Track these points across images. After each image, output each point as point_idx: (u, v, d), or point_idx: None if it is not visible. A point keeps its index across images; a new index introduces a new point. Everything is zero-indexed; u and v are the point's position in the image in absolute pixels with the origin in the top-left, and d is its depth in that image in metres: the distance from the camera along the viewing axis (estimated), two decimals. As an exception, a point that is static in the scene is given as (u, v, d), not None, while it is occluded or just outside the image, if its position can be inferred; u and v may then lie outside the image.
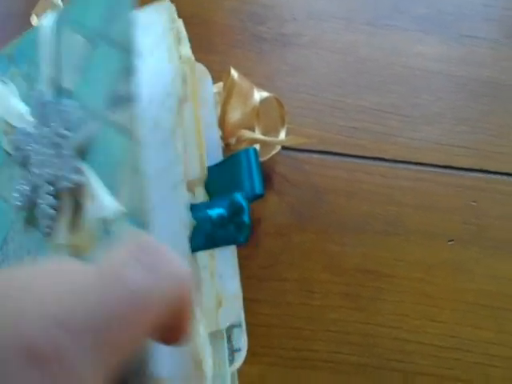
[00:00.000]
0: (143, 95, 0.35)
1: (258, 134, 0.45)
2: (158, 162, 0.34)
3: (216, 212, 0.37)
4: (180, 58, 0.38)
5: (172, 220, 0.34)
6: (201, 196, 0.39)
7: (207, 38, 0.51)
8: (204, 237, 0.37)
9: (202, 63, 0.42)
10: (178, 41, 0.39)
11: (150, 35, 0.38)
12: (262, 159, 0.45)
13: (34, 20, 0.46)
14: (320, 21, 0.52)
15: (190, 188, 0.38)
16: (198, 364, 0.34)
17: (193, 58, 0.41)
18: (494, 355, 0.44)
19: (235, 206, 0.37)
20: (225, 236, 0.37)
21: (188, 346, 0.33)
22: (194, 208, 0.36)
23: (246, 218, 0.37)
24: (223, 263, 0.39)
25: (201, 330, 0.35)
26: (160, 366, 0.31)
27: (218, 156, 0.41)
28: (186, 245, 0.35)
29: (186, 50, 0.42)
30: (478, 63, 0.51)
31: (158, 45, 0.38)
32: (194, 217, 0.36)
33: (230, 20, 0.52)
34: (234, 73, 0.43)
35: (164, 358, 0.33)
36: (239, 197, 0.37)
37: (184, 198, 0.35)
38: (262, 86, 0.45)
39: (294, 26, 0.52)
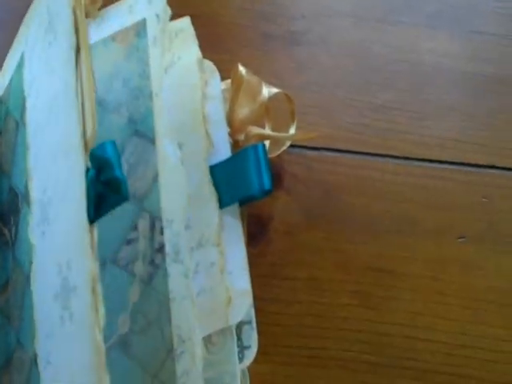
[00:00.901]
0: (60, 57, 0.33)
1: (266, 130, 0.45)
2: (68, 126, 0.32)
3: (91, 172, 0.30)
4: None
5: (74, 189, 0.30)
6: None
7: (215, 37, 0.51)
8: (90, 205, 0.30)
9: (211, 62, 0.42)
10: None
11: None
12: (271, 156, 0.45)
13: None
14: (329, 18, 0.52)
15: (87, 149, 0.31)
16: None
17: (201, 56, 0.41)
18: (505, 352, 0.44)
19: (99, 160, 0.30)
20: (103, 198, 0.30)
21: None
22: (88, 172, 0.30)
23: (117, 173, 0.30)
24: (232, 260, 0.39)
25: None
26: None
27: (226, 153, 0.41)
28: (83, 215, 0.30)
29: (195, 48, 0.42)
30: (488, 59, 0.51)
31: None
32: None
33: (239, 18, 0.52)
34: (241, 69, 0.43)
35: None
36: (108, 147, 0.30)
37: (79, 163, 0.30)
38: (270, 84, 0.45)
39: (303, 24, 0.52)
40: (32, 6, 0.39)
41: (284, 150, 0.46)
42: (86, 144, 0.30)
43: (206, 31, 0.49)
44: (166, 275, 0.36)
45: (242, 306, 0.38)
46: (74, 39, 0.33)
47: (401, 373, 0.43)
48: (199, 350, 0.34)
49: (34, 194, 0.35)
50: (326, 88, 0.50)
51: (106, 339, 0.36)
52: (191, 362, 0.34)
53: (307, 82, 0.50)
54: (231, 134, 0.43)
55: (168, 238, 0.36)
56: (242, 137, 0.43)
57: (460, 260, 0.45)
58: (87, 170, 0.30)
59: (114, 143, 0.30)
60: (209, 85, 0.42)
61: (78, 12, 0.33)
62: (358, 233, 0.46)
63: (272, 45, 0.51)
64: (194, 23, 0.41)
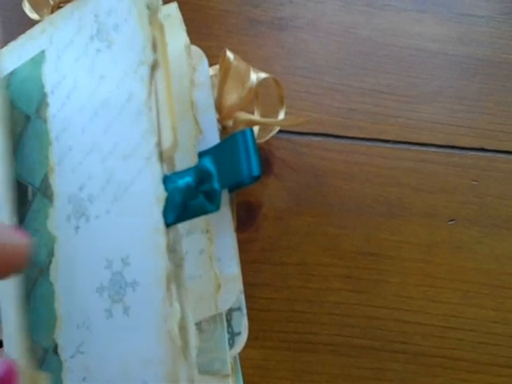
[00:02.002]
0: (118, 67, 0.35)
1: (254, 116, 0.44)
2: (132, 134, 0.34)
3: (184, 181, 0.35)
4: (151, 23, 0.37)
5: (146, 193, 0.33)
6: (173, 166, 0.37)
7: (203, 23, 0.51)
8: (176, 209, 0.34)
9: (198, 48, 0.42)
10: (148, 7, 0.39)
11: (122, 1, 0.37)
12: (260, 141, 0.45)
13: (26, 8, 0.46)
14: (317, 3, 0.52)
15: (164, 159, 0.35)
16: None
17: (188, 42, 0.41)
18: (497, 334, 0.44)
19: (202, 172, 0.35)
20: (195, 206, 0.35)
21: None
22: (166, 179, 0.34)
23: (215, 185, 0.35)
24: (222, 246, 0.39)
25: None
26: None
27: (215, 139, 0.40)
28: (159, 219, 0.33)
29: (182, 34, 0.41)
30: (477, 42, 0.51)
31: (130, 12, 0.37)
32: (166, 188, 0.33)
33: (226, 4, 0.52)
34: (229, 54, 0.42)
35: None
36: (207, 162, 0.36)
37: (157, 170, 0.33)
38: (258, 70, 0.45)
39: (291, 9, 0.52)
40: (66, 10, 0.39)
41: (273, 136, 0.46)
42: (161, 153, 0.33)
43: (193, 17, 0.49)
44: None
45: (232, 292, 0.38)
46: (150, 56, 0.34)
47: (392, 356, 0.43)
48: (193, 339, 0.34)
49: (62, 189, 0.36)
50: (314, 73, 0.50)
51: None
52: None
53: (295, 67, 0.50)
54: (220, 120, 0.42)
55: None
56: (230, 123, 0.42)
57: (450, 243, 0.45)
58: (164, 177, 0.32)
59: (211, 159, 0.35)
60: (197, 71, 0.42)
61: (156, 33, 0.35)
62: (348, 217, 0.46)
63: (259, 30, 0.51)
64: (181, 9, 0.41)
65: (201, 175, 0.35)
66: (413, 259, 0.45)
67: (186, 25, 0.41)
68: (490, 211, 0.46)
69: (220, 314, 0.38)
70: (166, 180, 0.33)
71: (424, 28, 0.51)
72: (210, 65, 0.42)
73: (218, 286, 0.38)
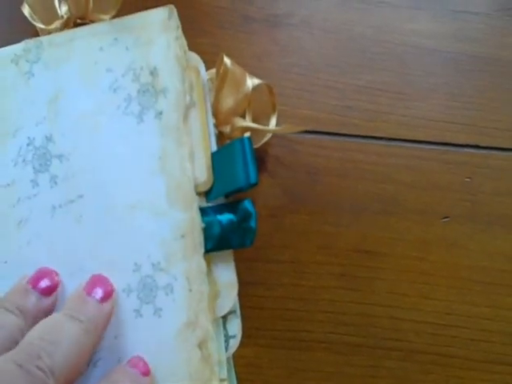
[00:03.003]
0: (169, 114, 0.39)
1: (251, 123, 0.44)
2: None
3: (226, 217, 0.39)
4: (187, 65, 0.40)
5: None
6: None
7: (197, 20, 0.51)
8: (213, 240, 0.38)
9: (192, 46, 0.42)
10: (184, 50, 0.40)
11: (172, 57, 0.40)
12: (255, 146, 0.45)
13: (26, 10, 0.46)
14: (311, 0, 0.52)
15: (198, 192, 0.39)
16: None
17: (186, 47, 0.41)
18: (490, 331, 0.44)
19: (244, 212, 0.39)
20: (233, 239, 0.39)
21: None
22: (202, 212, 0.39)
23: (253, 224, 0.39)
24: (218, 253, 0.39)
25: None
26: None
27: (212, 144, 0.41)
28: (201, 248, 0.38)
29: (181, 40, 0.42)
30: (471, 38, 0.51)
31: (182, 67, 0.39)
32: (204, 220, 0.38)
33: (220, 1, 0.52)
34: (226, 60, 0.42)
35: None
36: (248, 203, 0.39)
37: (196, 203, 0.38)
38: (252, 68, 0.45)
39: (285, 6, 0.51)
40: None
41: (267, 133, 0.46)
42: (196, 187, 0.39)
43: (187, 14, 0.49)
44: None
45: (229, 298, 0.38)
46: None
47: (386, 354, 0.43)
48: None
49: None
50: (308, 70, 0.49)
51: None
52: None
53: (289, 64, 0.50)
54: (217, 125, 0.42)
55: None
56: (227, 128, 0.43)
57: (444, 240, 0.45)
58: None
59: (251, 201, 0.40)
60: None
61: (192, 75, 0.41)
62: (342, 215, 0.46)
63: (254, 27, 0.51)
64: (175, 6, 0.41)
65: (243, 214, 0.39)
66: (407, 256, 0.45)
67: (180, 22, 0.41)
68: (484, 208, 0.46)
69: (217, 319, 0.38)
70: (203, 212, 0.39)
71: (419, 25, 0.51)
72: (204, 62, 0.42)
73: (216, 293, 0.38)
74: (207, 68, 0.43)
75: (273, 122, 0.45)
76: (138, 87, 0.40)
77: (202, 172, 0.39)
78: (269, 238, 0.45)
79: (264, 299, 0.44)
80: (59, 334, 0.32)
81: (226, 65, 0.42)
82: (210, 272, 0.38)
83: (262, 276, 0.45)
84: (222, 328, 0.38)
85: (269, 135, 0.46)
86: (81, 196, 0.39)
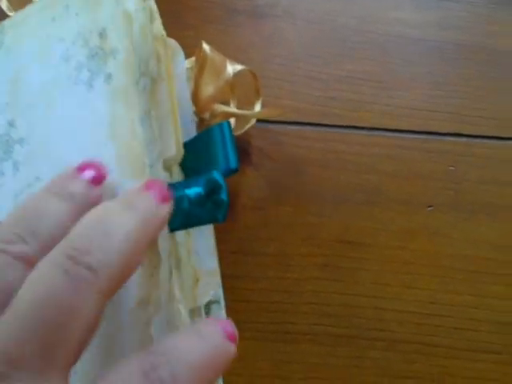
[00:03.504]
0: (119, 76, 0.36)
1: (231, 108, 0.44)
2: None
3: (193, 191, 0.36)
4: (153, 36, 0.38)
5: None
6: (177, 175, 0.38)
7: (179, 13, 0.50)
8: (182, 216, 0.36)
9: (175, 39, 0.41)
10: (151, 19, 0.39)
11: (120, 15, 0.37)
12: (237, 133, 0.45)
13: (3, 4, 0.46)
14: (294, -10, 0.52)
15: (167, 167, 0.37)
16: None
17: (164, 34, 0.41)
18: (474, 319, 0.44)
19: (212, 183, 0.36)
20: (203, 215, 0.36)
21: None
22: (171, 187, 0.35)
23: (223, 196, 0.36)
24: (200, 240, 0.39)
25: (181, 309, 0.35)
26: None
27: (191, 131, 0.40)
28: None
29: (158, 26, 0.41)
30: (455, 27, 0.51)
31: (131, 24, 0.37)
32: (172, 195, 0.35)
33: (203, -6, 0.52)
34: (205, 46, 0.42)
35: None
36: (216, 174, 0.36)
37: (161, 178, 0.36)
38: (236, 59, 0.45)
39: (268, -3, 0.52)
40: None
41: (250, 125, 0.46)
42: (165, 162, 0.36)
43: (171, 7, 0.49)
44: None
45: (210, 286, 0.38)
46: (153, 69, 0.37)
47: (370, 344, 0.44)
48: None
49: None
50: (291, 61, 0.50)
51: None
52: None
53: (273, 55, 0.50)
54: (196, 113, 0.42)
55: None
56: (207, 115, 0.42)
57: (428, 229, 0.46)
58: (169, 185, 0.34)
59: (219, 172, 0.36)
60: (173, 63, 0.42)
61: (160, 48, 0.38)
62: (326, 206, 0.46)
63: (237, 19, 0.51)
64: (156, 0, 0.41)
65: (211, 186, 0.36)
66: (390, 246, 0.45)
67: (163, 15, 0.41)
68: (468, 196, 0.46)
69: (198, 308, 0.38)
70: (171, 187, 0.35)
71: (402, 14, 0.51)
72: (187, 54, 0.42)
73: (196, 280, 0.38)
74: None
75: (257, 108, 0.46)
76: (87, 52, 0.37)
77: (170, 146, 0.38)
78: (253, 230, 0.45)
79: (249, 292, 0.44)
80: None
81: (204, 51, 0.42)
82: (189, 259, 0.38)
83: (247, 269, 0.45)
84: (203, 317, 0.38)
85: (252, 121, 0.46)
86: (38, 178, 0.37)
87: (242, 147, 0.46)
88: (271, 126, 0.47)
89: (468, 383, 0.43)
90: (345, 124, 0.48)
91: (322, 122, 0.48)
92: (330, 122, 0.48)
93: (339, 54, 0.50)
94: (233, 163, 0.39)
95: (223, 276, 0.39)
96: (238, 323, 0.43)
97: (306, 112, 0.48)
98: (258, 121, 0.47)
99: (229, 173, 0.39)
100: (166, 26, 0.40)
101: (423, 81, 0.49)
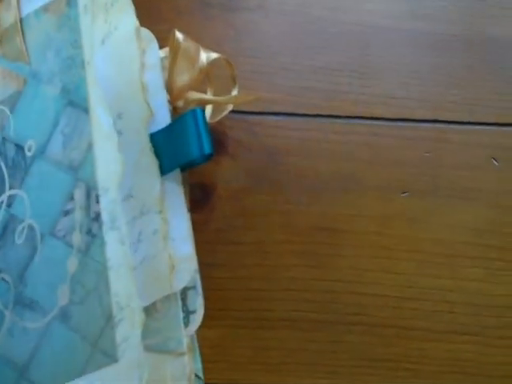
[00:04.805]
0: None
1: (205, 95, 0.44)
2: None
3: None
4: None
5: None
6: None
7: (153, 6, 0.51)
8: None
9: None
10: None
11: None
12: (212, 121, 0.45)
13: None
14: (268, -17, 0.52)
15: None
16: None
17: (138, 25, 0.41)
18: (452, 302, 0.44)
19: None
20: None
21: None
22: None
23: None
24: (175, 226, 0.39)
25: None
26: None
27: (166, 120, 0.41)
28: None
29: (132, 17, 0.41)
30: (429, 16, 0.51)
31: None
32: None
33: (177, -13, 0.52)
34: (178, 35, 0.42)
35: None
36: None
37: None
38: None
39: (241, -10, 0.52)
40: None
41: (226, 116, 0.46)
42: None
43: (146, 2, 0.49)
44: (103, 244, 0.37)
45: (186, 271, 0.38)
46: None
47: (348, 329, 0.44)
48: (138, 316, 0.35)
49: None
50: (265, 53, 0.50)
51: (46, 313, 0.37)
52: (130, 329, 0.35)
53: (247, 48, 0.50)
54: (171, 101, 0.42)
55: (104, 206, 0.37)
56: (181, 103, 0.43)
57: (404, 215, 0.46)
58: None
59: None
60: (147, 53, 0.42)
61: None
62: (303, 194, 0.46)
63: (210, 12, 0.51)
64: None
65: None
66: (367, 232, 0.45)
67: (136, 8, 0.41)
68: (444, 182, 0.47)
69: (174, 294, 0.38)
70: None
71: (375, 4, 0.51)
72: (161, 48, 0.42)
73: (172, 266, 0.38)
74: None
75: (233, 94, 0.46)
76: None
77: None
78: (230, 220, 0.46)
79: (226, 281, 0.44)
80: None
81: (177, 40, 0.42)
82: (164, 245, 0.38)
83: (225, 258, 0.45)
84: (179, 302, 0.38)
85: (229, 108, 0.46)
86: None
87: (218, 138, 0.46)
88: (247, 117, 0.48)
89: (446, 364, 0.43)
90: (321, 113, 0.48)
91: (297, 112, 0.48)
92: (306, 112, 0.48)
93: (314, 45, 0.50)
94: (207, 148, 0.39)
95: (200, 265, 0.39)
96: (215, 311, 0.43)
97: (282, 102, 0.48)
98: (234, 111, 0.47)
99: (203, 158, 0.40)
100: (140, 19, 0.41)
101: (397, 70, 0.50)
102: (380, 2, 0.51)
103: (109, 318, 0.36)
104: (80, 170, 0.39)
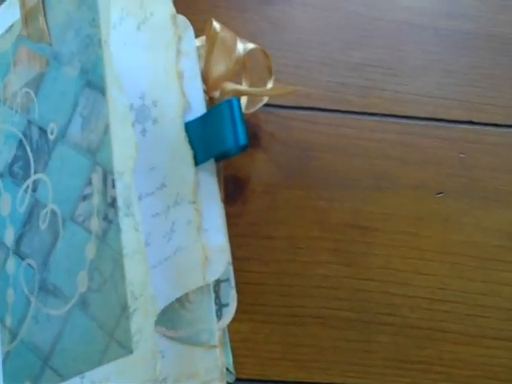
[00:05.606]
0: None
1: (241, 86, 0.44)
2: None
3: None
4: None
5: None
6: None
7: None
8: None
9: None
10: None
11: None
12: (247, 112, 0.45)
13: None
14: (304, -23, 0.52)
15: None
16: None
17: (174, 11, 0.41)
18: (484, 306, 0.44)
19: None
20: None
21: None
22: None
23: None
24: (209, 217, 0.38)
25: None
26: None
27: (201, 109, 0.40)
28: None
29: (168, 3, 0.41)
30: (464, 16, 0.51)
31: None
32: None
33: (213, -20, 0.51)
34: (215, 24, 0.42)
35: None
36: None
37: None
38: (245, 42, 0.45)
39: (278, -17, 0.51)
40: None
41: (261, 109, 0.46)
42: None
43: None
44: (118, 230, 0.36)
45: (220, 263, 0.38)
46: None
47: (379, 329, 0.43)
48: (152, 305, 0.34)
49: None
50: (301, 47, 0.49)
51: (67, 300, 0.36)
52: (144, 319, 0.35)
53: (283, 41, 0.49)
54: (207, 91, 0.42)
55: (119, 192, 0.36)
56: (217, 93, 0.42)
57: (438, 216, 0.45)
58: None
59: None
60: (183, 40, 0.41)
61: None
62: (337, 190, 0.46)
63: (247, 4, 0.50)
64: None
65: None
66: (401, 232, 0.45)
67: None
68: (479, 184, 0.46)
69: (207, 285, 0.37)
70: None
71: (412, 2, 0.51)
72: (196, 37, 0.42)
73: (206, 257, 0.37)
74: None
75: (269, 86, 0.45)
76: None
77: None
78: (263, 214, 0.45)
79: (259, 275, 0.44)
80: None
81: (214, 29, 0.42)
82: (198, 236, 0.37)
83: (257, 252, 0.45)
84: (212, 295, 0.37)
85: (264, 100, 0.46)
86: None
87: (253, 131, 0.46)
88: (282, 111, 0.47)
89: (478, 369, 0.43)
90: (356, 110, 0.48)
91: (332, 108, 0.48)
92: (341, 108, 0.48)
93: (350, 41, 0.50)
94: (242, 139, 0.38)
95: (233, 258, 0.38)
96: (247, 305, 0.43)
97: (317, 97, 0.48)
98: (269, 105, 0.47)
99: (238, 149, 0.39)
100: (176, 8, 0.40)
101: (433, 68, 0.49)
102: (419, 0, 0.51)
103: (124, 308, 0.35)
104: (98, 154, 0.38)
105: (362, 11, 0.51)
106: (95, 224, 0.37)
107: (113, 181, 0.37)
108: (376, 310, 0.44)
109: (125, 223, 0.36)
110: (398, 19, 0.50)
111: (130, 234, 0.36)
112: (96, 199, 0.38)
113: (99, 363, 0.36)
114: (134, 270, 0.35)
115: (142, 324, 0.35)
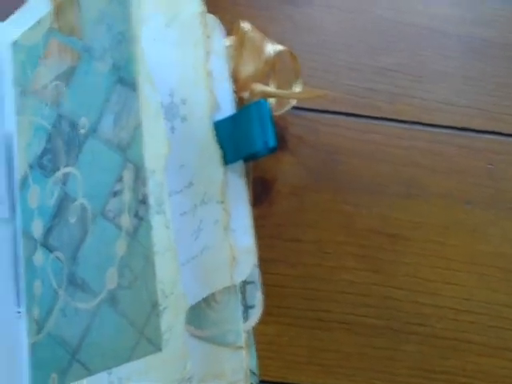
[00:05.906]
0: None
1: (271, 88, 0.44)
2: None
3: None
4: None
5: None
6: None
7: None
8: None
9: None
10: None
11: None
12: (275, 114, 0.44)
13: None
14: (331, -21, 0.51)
15: None
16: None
17: (203, 9, 0.40)
18: (509, 318, 0.44)
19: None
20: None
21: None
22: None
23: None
24: (236, 217, 0.38)
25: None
26: None
27: (230, 109, 0.40)
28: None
29: (197, 2, 0.41)
30: (491, 24, 0.50)
31: None
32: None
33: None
34: (244, 25, 0.42)
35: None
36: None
37: None
38: (273, 43, 0.44)
39: (305, -14, 0.51)
40: None
41: (289, 112, 0.46)
42: None
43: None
44: (149, 227, 0.36)
45: (247, 264, 0.37)
46: None
47: (406, 337, 0.43)
48: (182, 303, 0.34)
49: None
50: (327, 50, 0.49)
51: (96, 295, 0.36)
52: (174, 317, 0.34)
53: (309, 44, 0.49)
54: (236, 91, 0.42)
55: (151, 189, 0.36)
56: (246, 94, 0.42)
57: (466, 226, 0.45)
58: None
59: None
60: (212, 39, 0.41)
61: None
62: (363, 195, 0.46)
63: (271, 5, 0.50)
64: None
65: None
66: (429, 240, 0.45)
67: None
68: (507, 195, 0.46)
69: (234, 286, 0.37)
70: None
71: (438, 9, 0.51)
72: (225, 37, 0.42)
73: (233, 258, 0.37)
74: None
75: (297, 89, 0.45)
76: None
77: None
78: (289, 216, 0.45)
79: (284, 277, 0.44)
80: None
81: (242, 29, 0.41)
82: (225, 236, 0.37)
83: (283, 254, 0.44)
84: (239, 295, 0.37)
85: (291, 103, 0.45)
86: None
87: (280, 133, 0.46)
88: (309, 114, 0.47)
89: (499, 381, 0.43)
90: (383, 116, 0.47)
91: (359, 113, 0.47)
92: (369, 114, 0.47)
93: (376, 45, 0.49)
94: (271, 141, 0.38)
95: (259, 260, 0.38)
96: (272, 308, 0.43)
97: (345, 102, 0.48)
98: (297, 108, 0.46)
99: (267, 151, 0.39)
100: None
101: (459, 76, 0.49)
102: (443, 5, 0.51)
103: (154, 306, 0.35)
104: (129, 150, 0.38)
105: (387, 15, 0.50)
106: (126, 221, 0.37)
107: (144, 178, 0.36)
108: (406, 320, 0.43)
109: (156, 221, 0.35)
110: (423, 25, 0.50)
111: (161, 232, 0.35)
112: (127, 196, 0.37)
113: (128, 359, 0.36)
114: (165, 268, 0.35)
115: (172, 322, 0.34)
